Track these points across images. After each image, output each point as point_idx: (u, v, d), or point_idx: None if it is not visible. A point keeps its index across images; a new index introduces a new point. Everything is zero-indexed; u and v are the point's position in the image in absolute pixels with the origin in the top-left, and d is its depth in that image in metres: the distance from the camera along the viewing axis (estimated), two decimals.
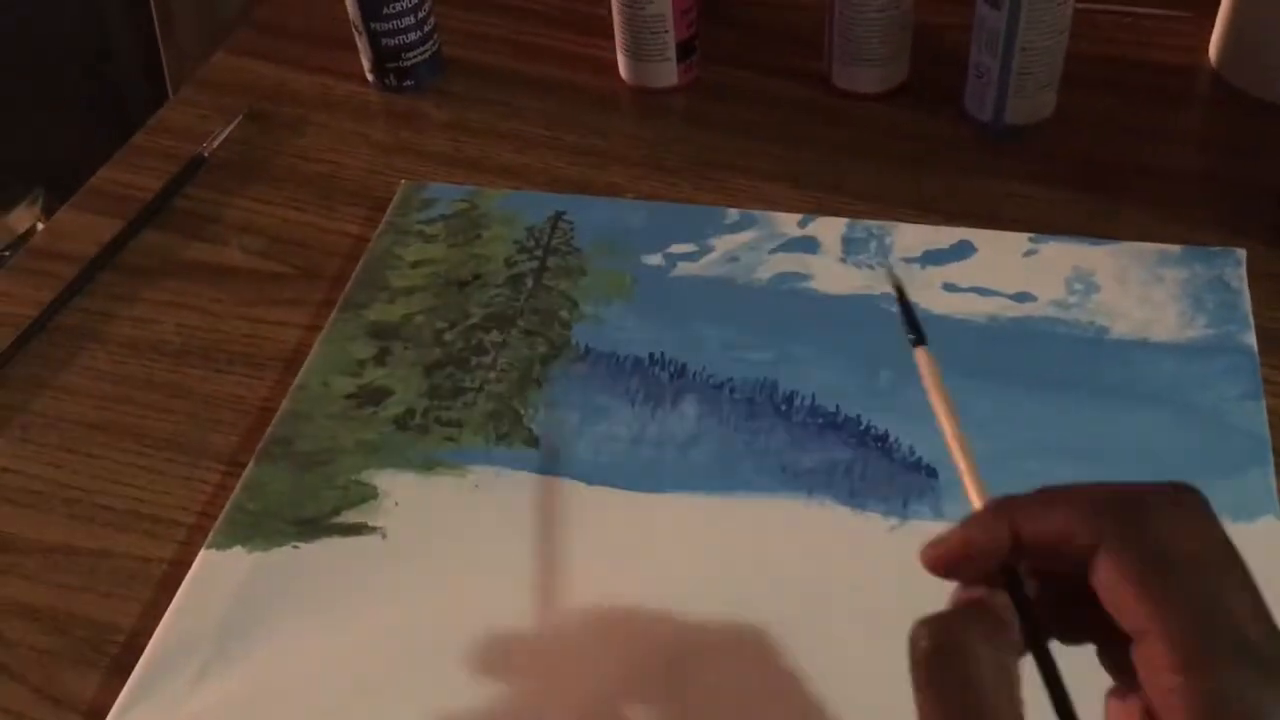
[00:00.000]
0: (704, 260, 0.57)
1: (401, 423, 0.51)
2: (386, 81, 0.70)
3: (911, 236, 0.57)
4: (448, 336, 0.55)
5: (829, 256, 0.57)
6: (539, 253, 0.58)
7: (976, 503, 0.32)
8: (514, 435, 0.51)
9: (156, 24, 0.99)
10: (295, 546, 0.47)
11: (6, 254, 0.94)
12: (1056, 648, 0.30)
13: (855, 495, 0.48)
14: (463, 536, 0.47)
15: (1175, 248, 0.55)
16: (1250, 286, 0.53)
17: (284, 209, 0.63)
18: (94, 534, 0.50)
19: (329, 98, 0.70)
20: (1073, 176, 0.61)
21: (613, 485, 0.49)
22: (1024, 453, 0.48)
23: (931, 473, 0.48)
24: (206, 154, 0.66)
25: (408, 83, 0.69)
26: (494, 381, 0.53)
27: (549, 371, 0.53)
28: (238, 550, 0.47)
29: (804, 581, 0.45)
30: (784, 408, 0.51)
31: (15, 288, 0.60)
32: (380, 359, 0.54)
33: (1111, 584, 0.27)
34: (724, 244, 0.58)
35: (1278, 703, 0.25)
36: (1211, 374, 0.50)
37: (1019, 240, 0.56)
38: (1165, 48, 0.68)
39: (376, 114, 0.69)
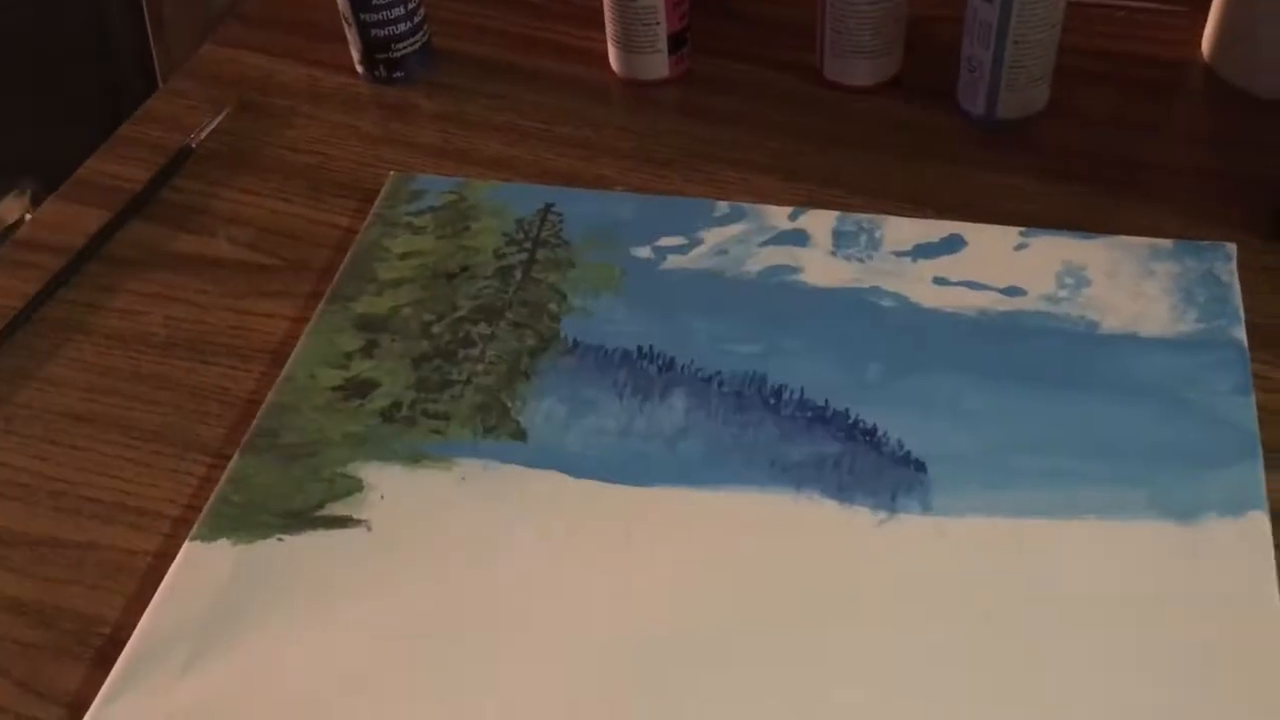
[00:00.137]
0: (693, 253, 0.57)
1: (388, 415, 0.51)
2: (376, 73, 0.69)
3: (902, 230, 0.57)
4: (435, 329, 0.54)
5: (819, 249, 0.57)
6: (528, 245, 0.58)
7: None
8: (501, 428, 0.50)
9: (147, 16, 0.99)
10: (280, 539, 0.47)
11: None
12: None
13: (844, 489, 0.47)
14: (449, 530, 0.47)
15: (1166, 242, 0.55)
16: (1241, 281, 0.53)
17: (272, 200, 0.63)
18: (80, 526, 0.49)
19: (318, 89, 0.70)
20: (1064, 170, 0.61)
21: (600, 478, 0.48)
22: (1014, 447, 0.48)
23: (920, 467, 0.48)
24: (194, 145, 0.66)
25: (397, 74, 0.69)
26: (482, 374, 0.53)
27: (537, 364, 0.53)
28: (223, 543, 0.47)
29: (791, 576, 0.45)
30: (773, 401, 0.51)
31: (1, 279, 0.60)
32: (367, 351, 0.54)
33: None
34: (713, 237, 0.58)
35: None
36: (1202, 368, 0.50)
37: (1010, 234, 0.56)
38: (1158, 42, 0.68)
39: (366, 105, 0.69)
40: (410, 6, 0.67)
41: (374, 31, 0.67)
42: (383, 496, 0.48)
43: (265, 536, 0.47)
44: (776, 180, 0.61)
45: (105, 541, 0.49)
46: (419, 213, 0.60)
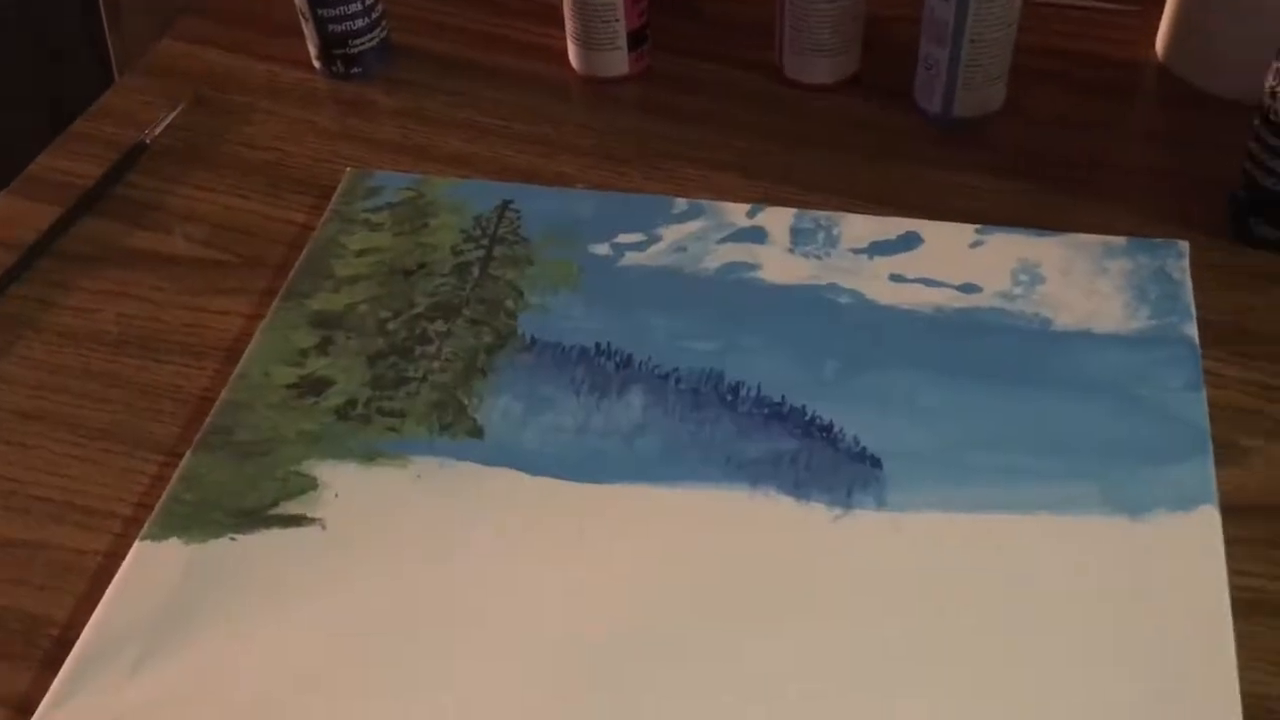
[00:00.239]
0: (651, 250, 0.57)
1: (343, 413, 0.51)
2: (334, 69, 0.69)
3: (859, 227, 0.57)
4: (391, 326, 0.54)
5: (777, 247, 0.57)
6: (485, 242, 0.58)
7: None
8: (458, 425, 0.50)
9: (103, 12, 0.97)
10: (233, 538, 0.46)
11: None
12: None
13: (800, 486, 0.48)
14: (404, 528, 0.47)
15: (1120, 239, 0.56)
16: (1193, 278, 0.54)
17: (228, 197, 0.62)
18: (29, 526, 0.49)
19: (275, 85, 0.69)
20: (1020, 169, 0.61)
21: (557, 475, 0.48)
22: (968, 444, 0.48)
23: (876, 463, 0.48)
24: (149, 140, 0.65)
25: (355, 70, 0.69)
26: (438, 371, 0.52)
27: (494, 361, 0.53)
28: (174, 541, 0.46)
29: (747, 572, 0.45)
30: (730, 398, 0.51)
31: None
32: (323, 348, 0.53)
33: None
34: (672, 234, 0.58)
35: None
36: (1154, 365, 0.50)
37: (966, 232, 0.57)
38: (1112, 41, 0.69)
39: (324, 101, 0.68)
40: (368, 2, 0.67)
41: (331, 27, 0.67)
42: (337, 495, 0.48)
43: (218, 535, 0.47)
44: (735, 177, 0.62)
45: (54, 541, 0.48)
46: (376, 209, 0.59)
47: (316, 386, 0.52)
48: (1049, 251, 0.55)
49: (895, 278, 0.55)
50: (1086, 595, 0.43)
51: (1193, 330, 0.52)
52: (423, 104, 0.67)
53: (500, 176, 0.62)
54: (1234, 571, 0.44)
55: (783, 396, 0.50)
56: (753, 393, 0.51)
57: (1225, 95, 0.63)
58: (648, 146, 0.64)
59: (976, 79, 0.61)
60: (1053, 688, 0.41)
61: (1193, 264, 0.54)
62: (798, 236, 0.57)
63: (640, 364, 0.52)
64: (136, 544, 0.46)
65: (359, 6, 0.66)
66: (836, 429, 0.49)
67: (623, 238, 0.58)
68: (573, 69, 0.69)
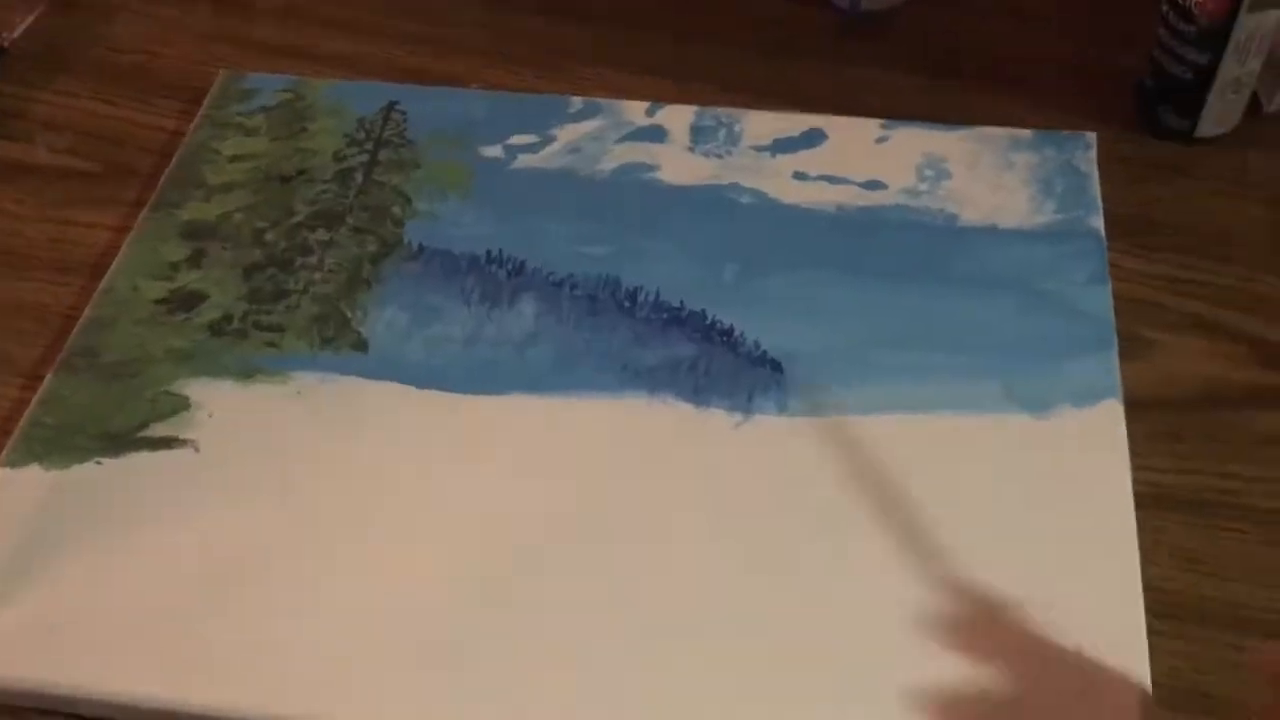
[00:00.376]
0: (545, 151, 0.54)
1: (217, 329, 0.48)
2: None
3: (762, 124, 0.55)
4: (269, 236, 0.51)
5: (676, 146, 0.54)
6: (369, 146, 0.55)
7: None
8: (341, 339, 0.48)
9: None
10: (99, 463, 0.44)
11: None
12: None
13: (699, 392, 0.46)
14: (285, 447, 0.44)
15: (1026, 132, 0.54)
16: (1100, 170, 0.52)
17: (94, 103, 0.59)
18: None
19: None
20: (928, 62, 0.59)
21: (445, 388, 0.46)
22: (871, 344, 0.47)
23: (777, 367, 0.46)
24: (7, 45, 0.61)
25: None
26: (320, 283, 0.49)
27: (379, 271, 0.50)
28: (34, 468, 0.44)
29: (646, 482, 0.43)
30: (627, 304, 0.49)
31: None
32: (195, 261, 0.50)
33: None
34: (567, 134, 0.55)
35: None
36: (1059, 259, 0.49)
37: (871, 127, 0.55)
38: None
39: (197, 0, 0.64)
40: None
41: None
42: (211, 415, 0.45)
43: (82, 460, 0.44)
44: (634, 75, 0.59)
45: None
46: (251, 113, 0.56)
47: (188, 301, 0.49)
48: (955, 146, 0.53)
49: (798, 176, 0.53)
50: (990, 493, 0.42)
51: (1099, 223, 0.50)
52: (303, 1, 0.63)
53: (389, 78, 0.59)
54: (1137, 466, 0.43)
55: (682, 301, 0.49)
56: (651, 298, 0.49)
57: None
58: (544, 45, 0.61)
59: None
60: (956, 585, 0.40)
61: (1100, 156, 0.53)
62: (698, 135, 0.55)
63: (533, 271, 0.50)
64: None
65: None
66: (737, 333, 0.47)
67: (515, 139, 0.55)
68: None
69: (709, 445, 0.44)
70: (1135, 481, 0.43)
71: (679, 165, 0.53)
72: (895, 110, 0.56)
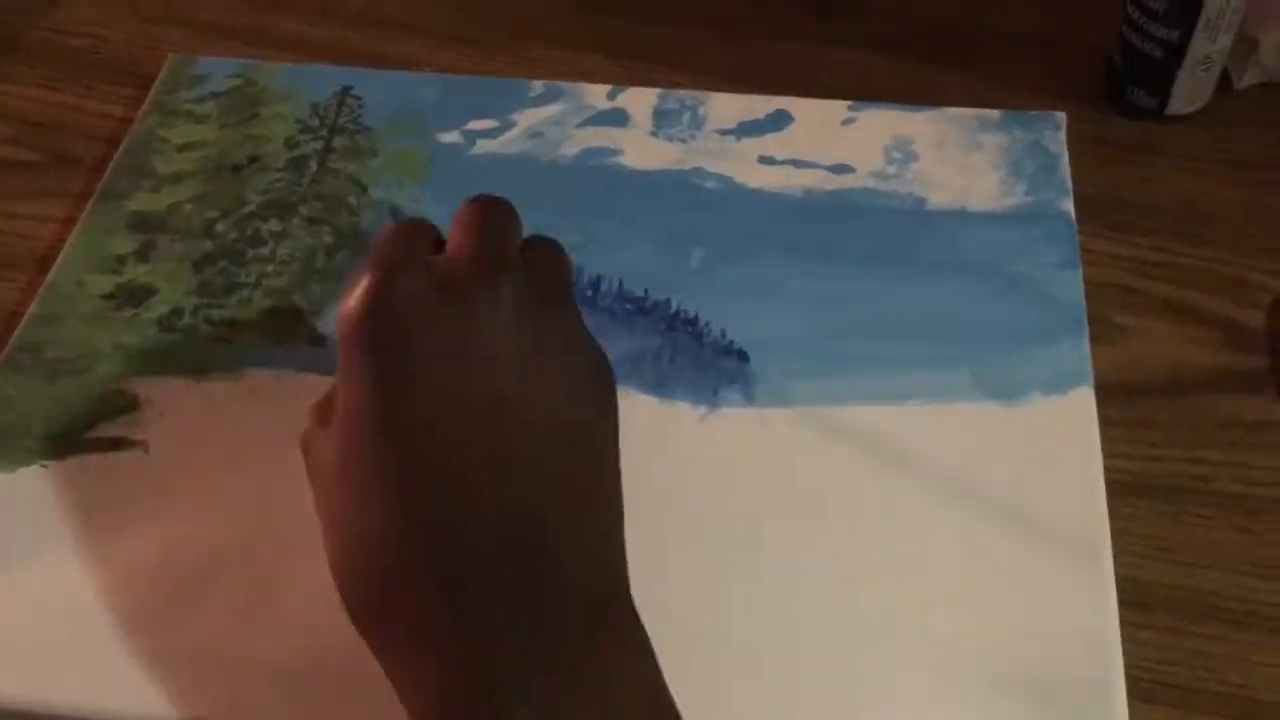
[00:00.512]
0: (505, 137, 0.53)
1: (167, 324, 0.46)
2: None
3: (726, 107, 0.54)
4: (220, 227, 0.50)
5: (639, 130, 0.53)
6: (324, 132, 0.53)
7: None
8: (295, 334, 0.46)
9: None
10: (44, 465, 0.42)
11: None
12: None
13: (663, 384, 0.45)
14: (239, 447, 0.43)
15: (995, 112, 0.53)
16: (1071, 151, 0.52)
17: (36, 89, 0.57)
18: None
19: None
20: (896, 41, 0.58)
21: None
22: (839, 332, 0.46)
23: (743, 357, 0.45)
24: None
25: None
26: (273, 275, 0.48)
27: (335, 263, 0.48)
28: None
29: None
30: (589, 293, 0.47)
31: None
32: (143, 254, 0.49)
33: None
34: (527, 119, 0.53)
35: None
36: (1029, 242, 0.48)
37: (837, 108, 0.53)
38: None
39: None
40: None
41: None
42: (162, 413, 0.44)
43: (27, 463, 0.42)
44: (594, 57, 0.57)
45: None
46: (200, 99, 0.54)
47: (136, 296, 0.47)
48: (923, 127, 0.52)
49: (764, 159, 0.52)
50: (960, 484, 0.42)
51: (1069, 206, 0.50)
52: None
53: (341, 61, 0.57)
54: (1108, 454, 0.43)
55: (645, 290, 0.47)
56: (614, 287, 0.48)
57: None
58: (501, 27, 0.59)
59: None
60: (928, 578, 0.40)
61: (1070, 136, 0.52)
62: (661, 119, 0.53)
63: None
64: None
65: None
66: (702, 322, 0.46)
67: (474, 124, 0.53)
68: None
69: (674, 438, 0.43)
70: (1106, 469, 0.42)
71: (642, 150, 0.52)
72: (862, 91, 0.55)
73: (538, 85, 0.55)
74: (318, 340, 0.46)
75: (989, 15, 0.60)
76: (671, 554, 0.40)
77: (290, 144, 0.52)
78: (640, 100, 0.54)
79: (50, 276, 0.48)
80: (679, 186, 0.51)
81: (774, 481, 0.42)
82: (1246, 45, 0.54)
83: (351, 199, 0.51)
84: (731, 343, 0.46)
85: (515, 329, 0.33)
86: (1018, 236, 0.49)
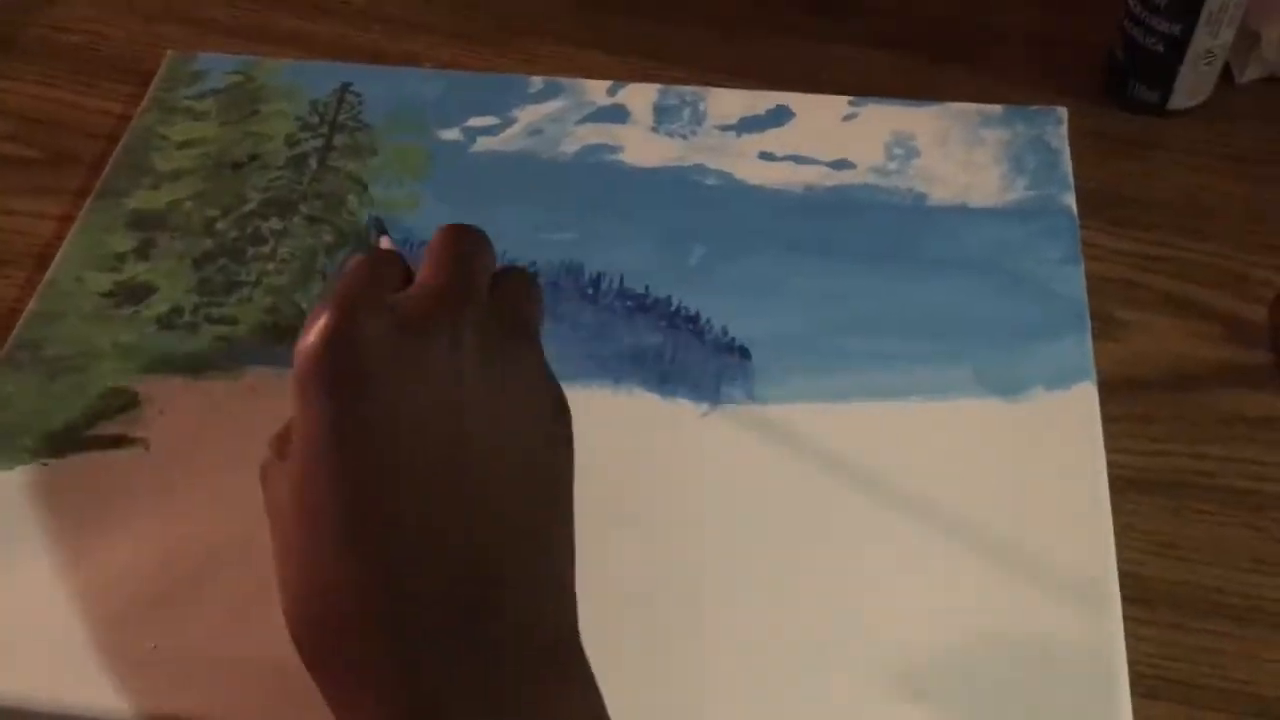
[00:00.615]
0: (505, 134, 0.53)
1: (167, 322, 0.46)
2: None
3: (727, 103, 0.54)
4: (220, 225, 0.49)
5: (640, 126, 0.53)
6: (324, 130, 0.53)
7: None
8: (295, 332, 0.46)
9: None
10: (44, 464, 0.42)
11: None
12: None
13: (665, 381, 0.45)
14: (239, 445, 0.42)
15: (996, 108, 0.53)
16: (1072, 146, 0.51)
17: (35, 86, 0.56)
18: None
19: None
20: (897, 38, 0.58)
21: None
22: (840, 328, 0.46)
23: (745, 353, 0.45)
24: None
25: None
26: (273, 274, 0.48)
27: (335, 261, 0.48)
28: None
29: (611, 473, 0.42)
30: (590, 291, 0.47)
31: None
32: (142, 252, 0.48)
33: None
34: (527, 115, 0.53)
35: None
36: (1031, 238, 0.48)
37: (838, 104, 0.53)
38: None
39: None
40: None
41: None
42: (162, 411, 0.44)
43: (26, 462, 0.42)
44: (594, 53, 0.57)
45: None
46: (200, 96, 0.54)
47: (136, 294, 0.47)
48: (924, 122, 0.52)
49: (765, 156, 0.52)
50: (963, 481, 0.42)
51: (1071, 201, 0.49)
52: None
53: (341, 58, 0.57)
54: (1111, 449, 0.42)
55: (646, 287, 0.47)
56: (615, 284, 0.48)
57: None
58: (501, 23, 0.59)
59: None
60: (930, 573, 0.40)
61: (1071, 131, 0.52)
62: (662, 115, 0.53)
63: None
64: None
65: None
66: (703, 319, 0.46)
67: (475, 121, 0.53)
68: None
69: (676, 435, 0.43)
70: (1109, 465, 0.42)
71: (642, 146, 0.52)
72: (863, 86, 0.55)
73: (538, 81, 0.55)
74: None
75: (989, 12, 0.59)
76: (673, 550, 0.40)
77: (290, 141, 0.52)
78: (641, 96, 0.54)
79: (49, 274, 0.48)
80: (679, 183, 0.51)
81: (776, 478, 0.42)
82: (1248, 40, 0.54)
83: (352, 198, 0.50)
84: (733, 339, 0.46)
85: (475, 369, 0.32)
86: (1019, 232, 0.48)
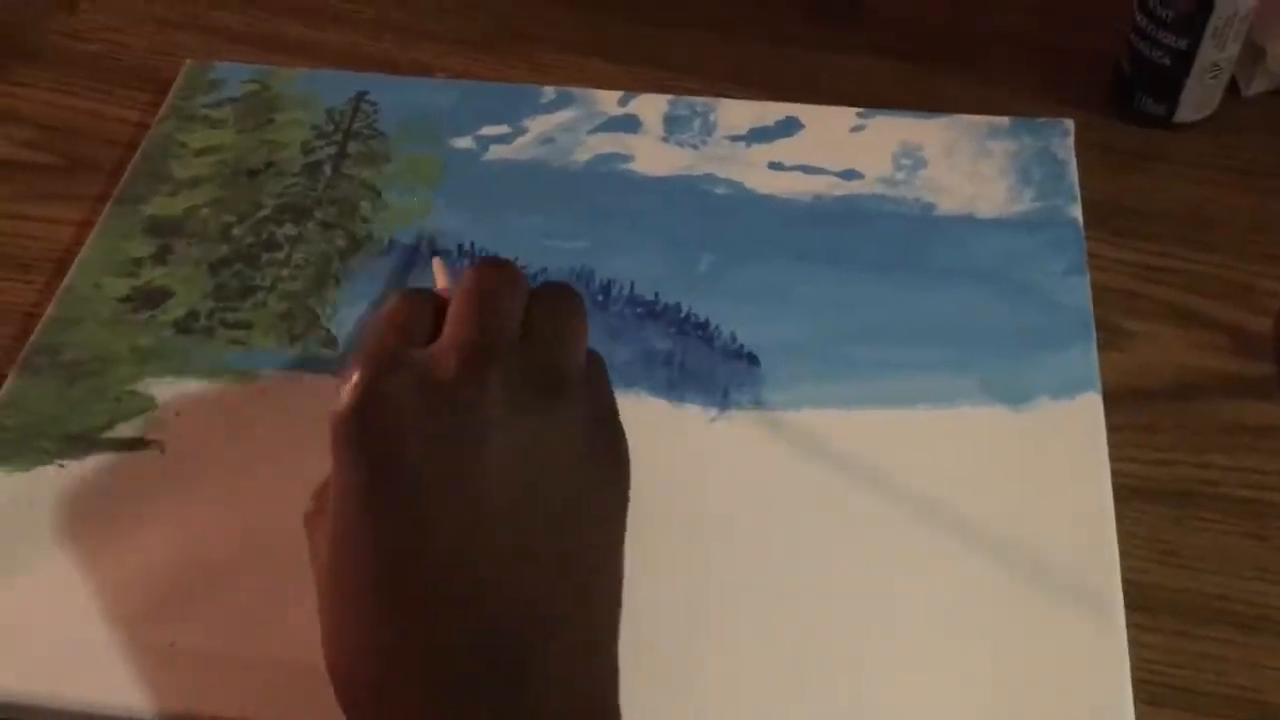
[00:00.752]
0: (518, 143, 0.53)
1: (183, 326, 0.47)
2: None
3: (737, 113, 0.54)
4: (236, 231, 0.50)
5: (650, 136, 0.53)
6: (338, 138, 0.54)
7: None
8: (310, 336, 0.47)
9: None
10: (61, 465, 0.43)
11: None
12: None
13: (674, 387, 0.45)
14: (253, 447, 0.44)
15: (1004, 119, 0.53)
16: (1079, 157, 0.52)
17: (54, 93, 0.57)
18: None
19: None
20: (905, 47, 0.58)
21: None
22: (848, 337, 0.46)
23: (753, 360, 0.46)
24: None
25: None
26: (288, 279, 0.49)
27: (348, 267, 0.49)
28: None
29: None
30: (601, 298, 0.48)
31: None
32: (160, 257, 0.49)
33: None
34: (539, 125, 0.54)
35: None
36: (1037, 248, 0.49)
37: (847, 115, 0.54)
38: None
39: None
40: None
41: None
42: (178, 414, 0.44)
43: (44, 463, 0.43)
44: (605, 63, 0.58)
45: None
46: (217, 104, 0.55)
47: (153, 298, 0.48)
48: (932, 133, 0.53)
49: (774, 165, 0.52)
50: (968, 488, 0.42)
51: (1077, 212, 0.50)
52: None
53: (354, 66, 0.58)
54: (1115, 458, 0.43)
55: (656, 294, 0.48)
56: (625, 292, 0.48)
57: None
58: (511, 32, 0.60)
59: None
60: (935, 580, 0.40)
61: (1077, 143, 0.53)
62: (672, 125, 0.54)
63: None
64: None
65: None
66: (712, 326, 0.47)
67: (487, 130, 0.54)
68: None
69: (684, 441, 0.44)
70: (1114, 474, 0.42)
71: (653, 156, 0.53)
72: (866, 96, 0.55)
73: (550, 91, 0.56)
74: (331, 343, 0.47)
75: (994, 24, 0.60)
76: (680, 556, 0.41)
77: (305, 149, 0.53)
78: (651, 106, 0.55)
79: (67, 279, 0.48)
80: (689, 192, 0.51)
81: (783, 484, 0.42)
82: (1254, 53, 0.54)
83: (365, 204, 0.51)
84: (742, 346, 0.46)
85: (506, 425, 0.32)
86: (1026, 243, 0.49)
